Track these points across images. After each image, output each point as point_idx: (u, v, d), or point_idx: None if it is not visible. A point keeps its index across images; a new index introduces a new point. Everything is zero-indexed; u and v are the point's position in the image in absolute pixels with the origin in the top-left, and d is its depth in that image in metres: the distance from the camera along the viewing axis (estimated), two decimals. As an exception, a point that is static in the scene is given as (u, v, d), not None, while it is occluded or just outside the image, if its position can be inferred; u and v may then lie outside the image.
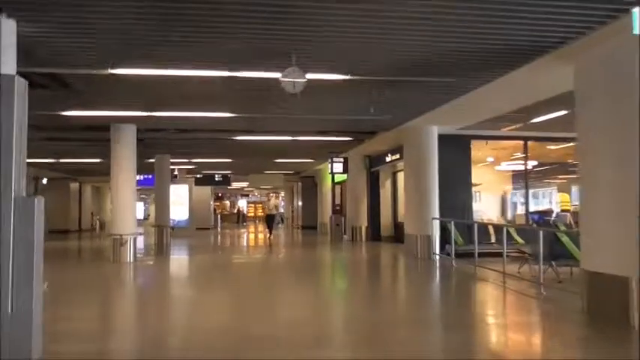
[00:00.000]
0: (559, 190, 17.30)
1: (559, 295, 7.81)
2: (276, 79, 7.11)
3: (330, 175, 25.39)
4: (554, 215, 15.42)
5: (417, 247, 12.71)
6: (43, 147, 16.40)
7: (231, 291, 8.97)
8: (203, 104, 10.29)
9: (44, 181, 27.00)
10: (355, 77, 7.89)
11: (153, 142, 15.63)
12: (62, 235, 26.68)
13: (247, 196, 53.94)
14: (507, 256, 9.42)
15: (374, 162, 19.10)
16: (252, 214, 49.51)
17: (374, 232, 18.96)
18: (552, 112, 11.02)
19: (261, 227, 35.84)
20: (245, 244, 21.81)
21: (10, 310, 4.32)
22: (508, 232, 13.12)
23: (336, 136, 14.91)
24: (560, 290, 8.05)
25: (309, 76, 7.19)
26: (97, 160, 19.95)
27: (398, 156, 16.20)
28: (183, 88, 8.98)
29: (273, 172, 27.48)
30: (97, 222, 35.17)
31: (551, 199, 17.35)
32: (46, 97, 9.47)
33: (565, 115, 11.00)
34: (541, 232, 8.24)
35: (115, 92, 9.30)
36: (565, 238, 9.53)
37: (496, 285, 8.91)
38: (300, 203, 32.94)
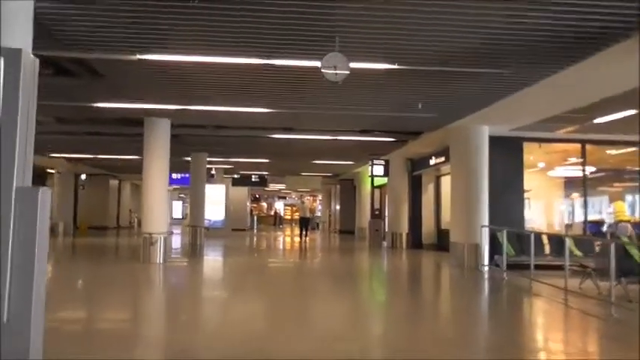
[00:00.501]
0: (611, 199, 15.99)
1: (631, 317, 6.84)
2: (316, 68, 6.45)
3: (370, 179, 24.76)
4: (606, 226, 14.20)
5: (464, 256, 11.80)
6: (79, 142, 16.25)
7: (260, 300, 8.27)
8: (239, 98, 9.72)
9: (83, 177, 27.12)
10: (402, 67, 7.14)
11: (189, 139, 15.22)
12: (100, 231, 26.75)
13: (284, 198, 53.67)
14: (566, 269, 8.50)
15: (416, 165, 18.22)
16: (289, 217, 49.20)
17: (415, 239, 18.07)
18: (618, 111, 10.00)
19: (297, 230, 35.38)
20: (280, 247, 21.21)
21: (4, 320, 3.73)
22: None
23: (378, 136, 14.14)
24: (631, 311, 7.08)
25: (353, 65, 6.50)
26: (135, 157, 19.75)
27: (443, 159, 15.30)
28: (217, 78, 8.43)
29: (310, 175, 26.88)
30: (136, 219, 35.40)
31: (601, 209, 16.01)
32: (76, 87, 9.10)
33: (631, 115, 10.01)
34: (613, 245, 7.27)
35: (147, 82, 8.83)
36: (635, 251, 8.49)
37: (557, 302, 7.96)
38: (337, 207, 32.24)
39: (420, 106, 9.44)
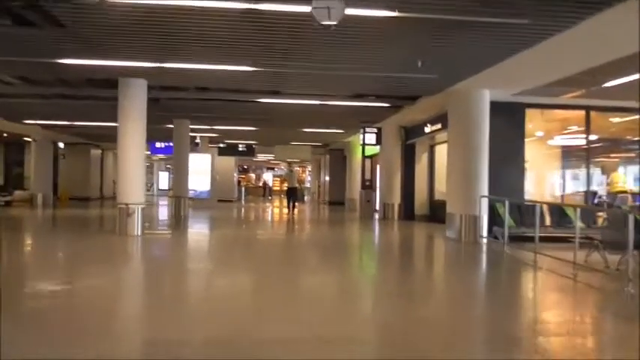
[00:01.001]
0: (606, 170, 15.33)
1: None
2: (307, 16, 5.62)
3: (361, 148, 24.02)
4: (598, 197, 13.61)
5: (461, 228, 11.14)
6: (52, 107, 15.25)
7: (242, 277, 7.55)
8: (221, 54, 8.82)
9: (61, 145, 25.99)
10: (404, 14, 6.30)
11: (169, 104, 14.28)
12: (81, 202, 25.87)
13: (273, 169, 52.82)
14: (569, 241, 7.88)
15: (410, 133, 17.45)
16: (278, 189, 48.48)
17: (407, 210, 17.42)
18: (632, 73, 9.24)
19: (280, 201, 34.67)
20: (268, 219, 20.49)
21: None
22: (566, 214, 11.58)
23: (371, 101, 13.31)
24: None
25: (348, 11, 5.66)
26: (115, 125, 18.82)
27: (439, 126, 14.54)
28: (197, 29, 7.52)
29: (300, 144, 26.04)
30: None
31: (590, 180, 15.22)
32: (39, 40, 8.16)
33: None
34: (631, 217, 6.60)
35: (116, 34, 7.89)
36: (647, 222, 7.86)
37: (567, 278, 7.30)
38: (327, 178, 31.54)
39: (419, 64, 8.62)
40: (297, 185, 20.67)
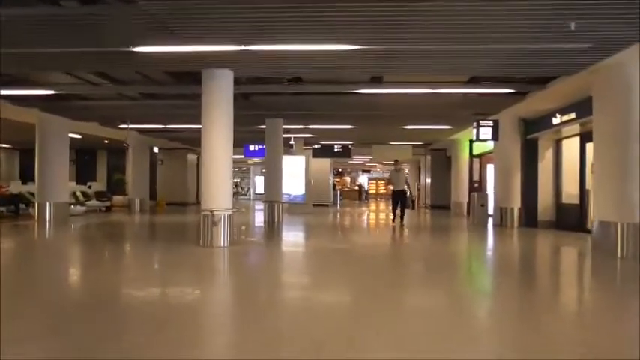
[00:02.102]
0: None
1: None
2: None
3: (469, 147, 21.75)
4: None
5: (619, 241, 8.78)
6: (141, 108, 14.58)
7: (348, 305, 5.88)
8: (317, 31, 7.28)
9: (155, 150, 25.95)
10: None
11: (261, 102, 13.07)
12: (178, 208, 25.69)
13: (369, 172, 51.22)
14: None
15: (531, 127, 15.04)
16: (374, 192, 46.80)
17: (529, 216, 15.00)
18: None
19: (384, 205, 32.69)
20: (369, 226, 18.78)
21: None
22: None
23: (490, 87, 11.22)
24: None
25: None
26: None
27: (573, 115, 12.14)
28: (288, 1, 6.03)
29: (399, 144, 24.14)
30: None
31: None
32: (111, 24, 7.06)
33: None
34: None
35: (195, 11, 6.60)
36: None
37: None
38: (427, 180, 29.35)
39: (572, 26, 6.52)
40: (405, 188, 15.54)
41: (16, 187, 20.06)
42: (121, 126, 18.14)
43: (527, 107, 13.55)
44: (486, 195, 16.10)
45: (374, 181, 49.36)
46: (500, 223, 15.26)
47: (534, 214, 15.00)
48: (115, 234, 14.16)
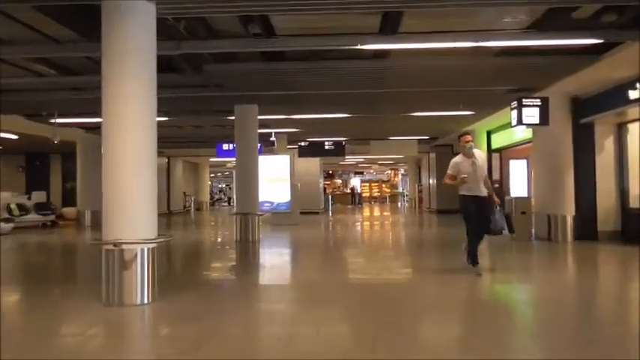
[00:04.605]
0: None
1: None
2: None
3: (486, 139, 18.05)
4: None
5: None
6: (62, 94, 10.64)
7: None
8: None
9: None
10: None
11: (219, 74, 9.18)
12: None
13: (361, 173, 47.45)
14: None
15: (584, 107, 11.32)
16: (367, 195, 43.12)
17: (586, 226, 11.25)
18: None
19: (374, 209, 28.72)
20: (380, 239, 14.89)
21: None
22: None
23: (565, 36, 7.36)
24: None
25: None
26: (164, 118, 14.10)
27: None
28: None
29: (402, 138, 20.33)
30: (192, 203, 30.41)
31: None
32: None
33: None
34: None
35: None
36: None
37: None
38: (431, 181, 25.62)
39: None
40: (485, 190, 7.31)
41: None
42: (52, 120, 14.14)
43: (584, 79, 9.82)
44: (529, 200, 12.23)
45: (367, 184, 45.72)
46: (548, 236, 11.50)
47: (593, 224, 11.27)
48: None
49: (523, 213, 11.72)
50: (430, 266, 8.91)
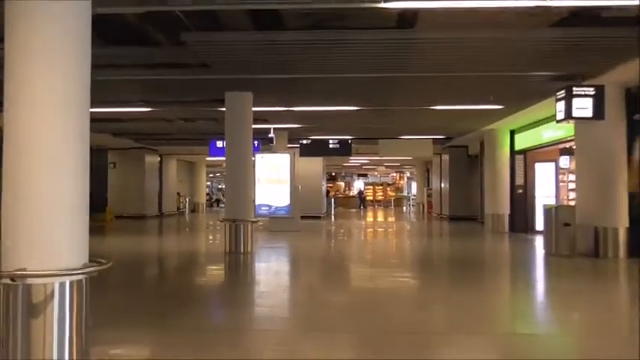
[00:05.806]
0: None
1: None
2: None
3: (509, 139, 16.23)
4: None
5: None
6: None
7: None
8: None
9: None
10: None
11: (204, 50, 7.37)
12: (132, 222, 20.22)
13: (365, 176, 45.58)
14: None
15: (638, 100, 9.49)
16: (371, 198, 41.26)
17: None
18: None
19: (381, 214, 26.61)
20: (395, 252, 12.97)
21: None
22: None
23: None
24: None
25: None
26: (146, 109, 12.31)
27: None
28: None
29: (414, 137, 18.51)
30: (187, 205, 28.58)
31: None
32: None
33: None
34: None
35: None
36: None
37: None
38: (443, 184, 23.77)
39: None
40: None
41: None
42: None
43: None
44: (573, 209, 10.33)
45: (370, 187, 43.90)
46: (596, 253, 9.63)
47: (651, 238, 9.43)
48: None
49: (567, 225, 9.84)
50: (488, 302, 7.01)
